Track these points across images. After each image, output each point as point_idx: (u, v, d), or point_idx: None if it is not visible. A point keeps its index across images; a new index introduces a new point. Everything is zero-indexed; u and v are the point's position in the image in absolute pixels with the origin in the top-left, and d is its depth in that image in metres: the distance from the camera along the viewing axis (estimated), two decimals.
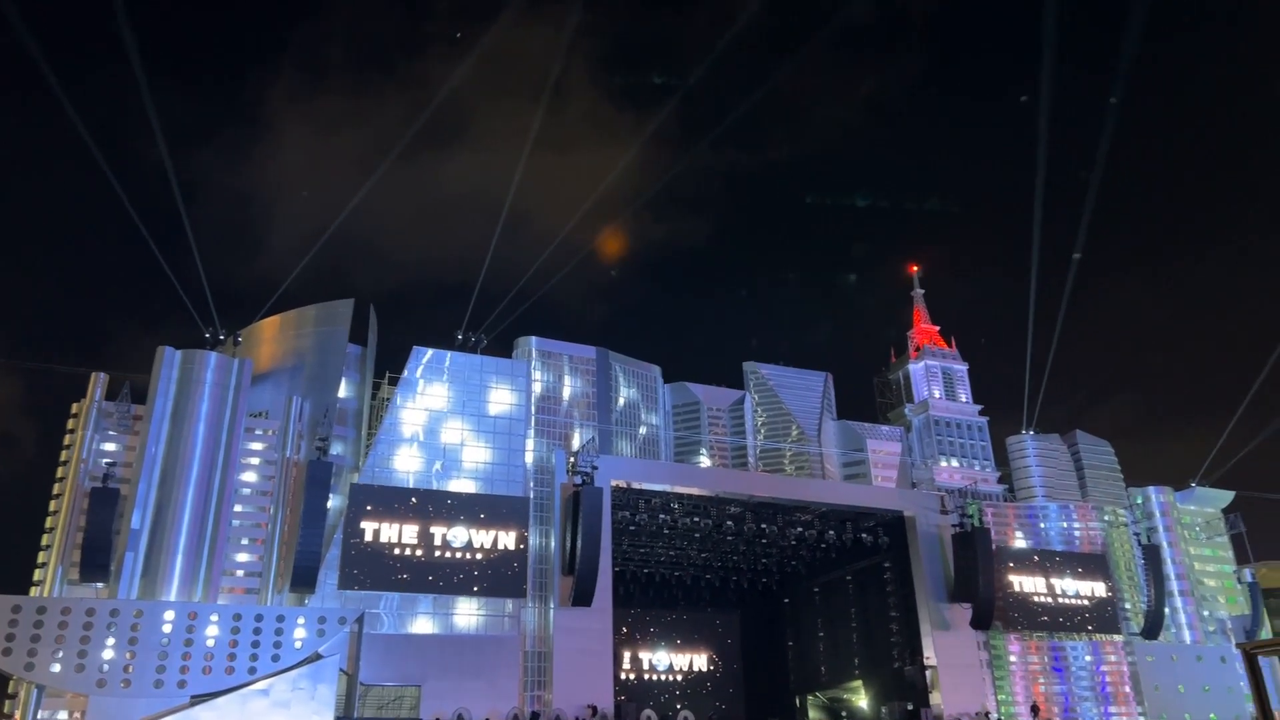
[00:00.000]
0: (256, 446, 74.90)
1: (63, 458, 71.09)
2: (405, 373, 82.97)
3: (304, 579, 69.93)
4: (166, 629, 64.00)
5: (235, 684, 64.12)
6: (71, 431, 71.30)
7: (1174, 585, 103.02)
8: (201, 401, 72.86)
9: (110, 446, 70.99)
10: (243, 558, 71.37)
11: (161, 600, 65.94)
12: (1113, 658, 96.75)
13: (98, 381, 72.16)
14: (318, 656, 67.19)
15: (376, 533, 74.34)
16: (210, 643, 64.54)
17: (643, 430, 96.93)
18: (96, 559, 65.52)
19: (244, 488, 73.30)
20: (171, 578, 67.39)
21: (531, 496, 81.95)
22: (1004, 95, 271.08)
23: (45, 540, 68.52)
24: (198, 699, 63.05)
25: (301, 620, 67.46)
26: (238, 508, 72.42)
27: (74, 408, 71.96)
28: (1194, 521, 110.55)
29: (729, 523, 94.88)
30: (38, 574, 67.74)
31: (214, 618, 65.37)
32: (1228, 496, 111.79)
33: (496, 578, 76.53)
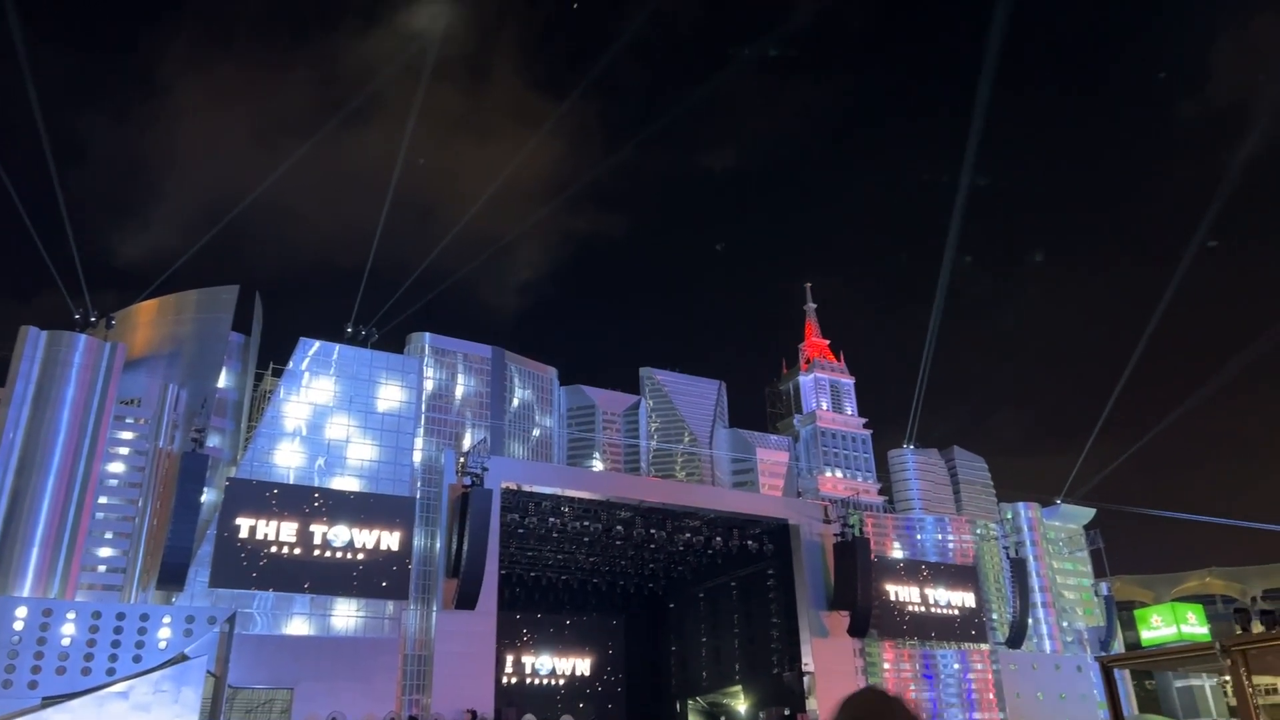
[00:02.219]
0: (126, 436, 71.24)
1: None
2: (290, 364, 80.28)
3: (172, 576, 66.76)
4: (18, 626, 60.22)
5: (92, 685, 60.80)
6: None
7: (1038, 597, 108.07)
8: (67, 386, 68.87)
9: None
10: (106, 552, 67.72)
11: (13, 596, 61.98)
12: (979, 666, 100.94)
13: None
14: (184, 658, 64.32)
15: (252, 529, 71.63)
16: (66, 642, 61.02)
17: (536, 432, 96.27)
18: None
19: (111, 479, 69.62)
20: (25, 572, 63.42)
21: (418, 497, 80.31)
22: (912, 118, 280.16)
23: None
24: (50, 700, 59.50)
25: (167, 619, 64.48)
26: (103, 499, 68.70)
27: None
28: (1058, 537, 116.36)
29: (619, 527, 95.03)
30: None
31: (71, 615, 61.84)
32: (1089, 513, 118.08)
33: (378, 579, 74.73)
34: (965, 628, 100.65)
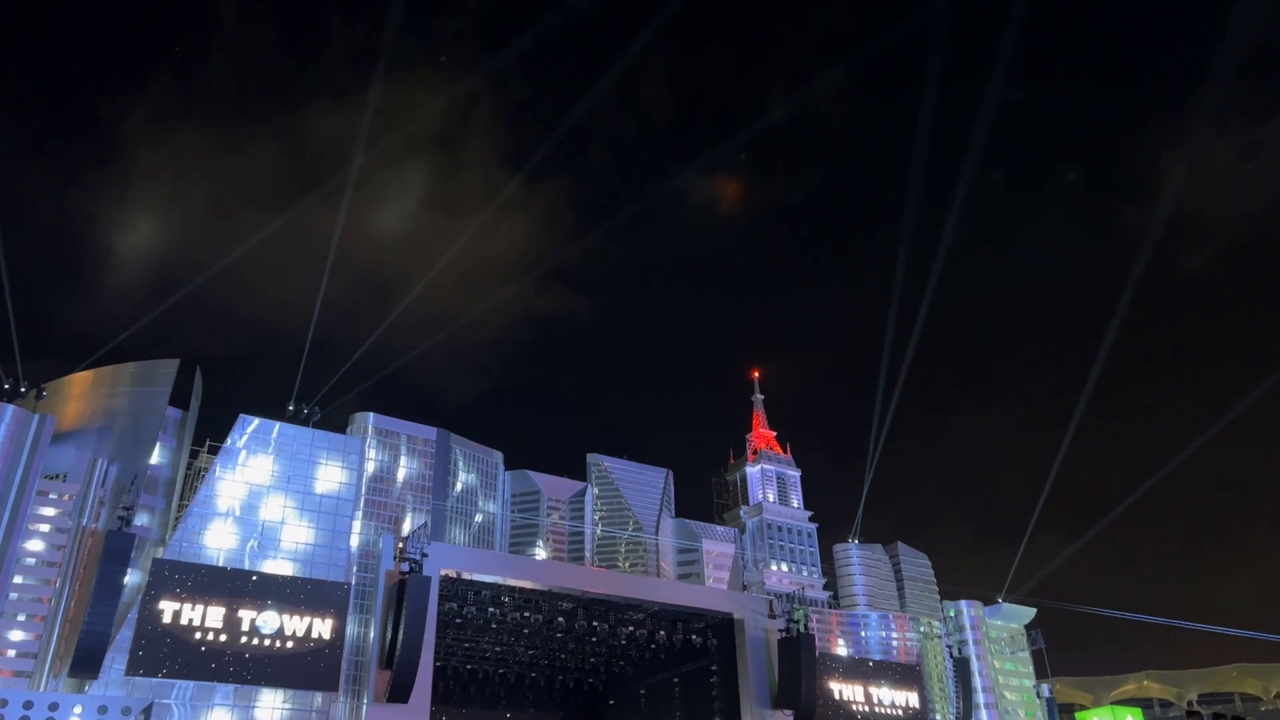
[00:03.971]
0: (49, 512, 68.13)
1: None
2: (227, 441, 78.06)
3: (86, 662, 63.12)
4: None
5: None
6: None
7: (980, 698, 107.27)
8: None
9: None
10: (17, 635, 63.96)
11: None
12: None
13: None
14: None
15: (177, 614, 68.35)
16: None
17: (479, 518, 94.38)
18: None
19: (28, 557, 66.25)
20: None
21: (353, 583, 77.64)
22: (874, 220, 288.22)
23: None
24: None
25: (78, 709, 60.67)
26: (17, 579, 65.20)
27: None
28: (1000, 636, 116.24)
29: (560, 619, 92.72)
30: None
31: None
32: (1030, 613, 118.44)
33: (307, 669, 71.51)
34: None
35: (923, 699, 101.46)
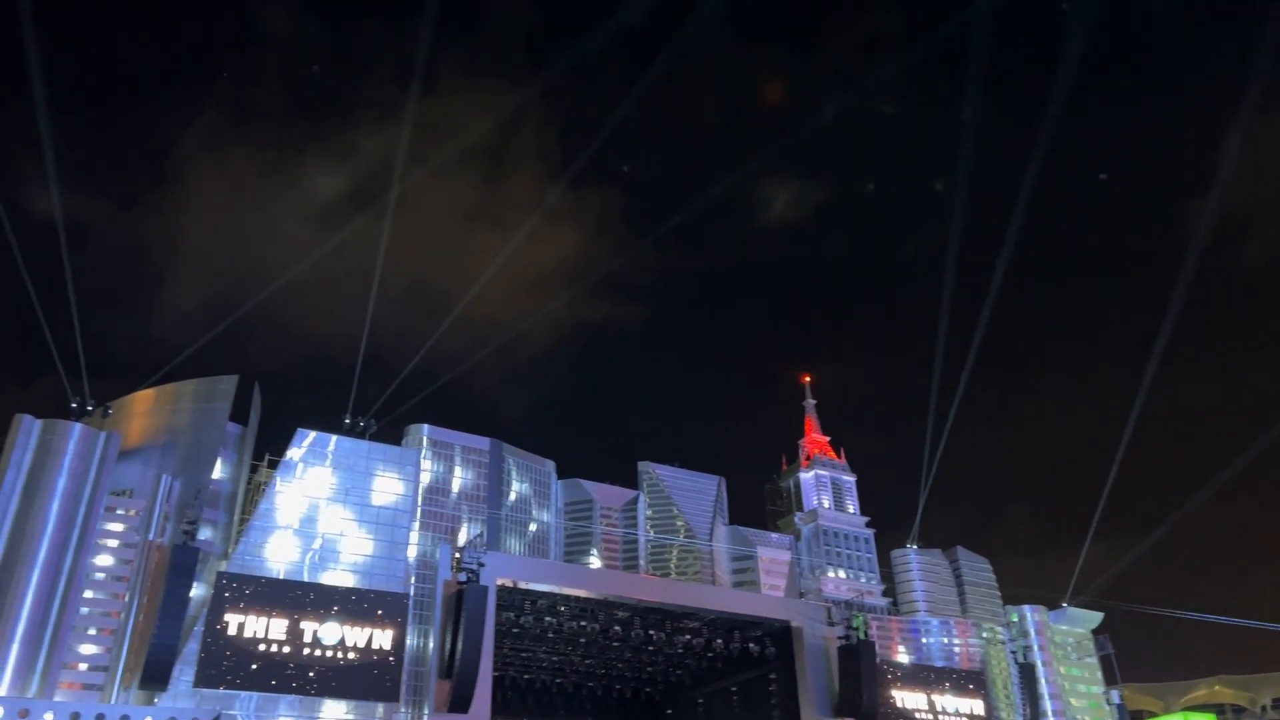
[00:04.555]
0: (116, 527, 69.57)
1: None
2: (286, 455, 79.13)
3: (156, 675, 64.23)
4: None
5: None
6: None
7: (1048, 705, 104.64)
8: (59, 476, 67.63)
9: None
10: (88, 649, 65.33)
11: None
12: None
13: None
14: None
15: (241, 626, 69.32)
16: None
17: (533, 527, 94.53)
18: None
19: (97, 572, 67.69)
20: (4, 669, 61.03)
21: (412, 593, 78.16)
22: (922, 220, 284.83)
23: None
24: None
25: None
26: (88, 594, 66.66)
27: None
28: (1065, 641, 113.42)
29: (616, 628, 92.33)
30: None
31: (48, 716, 59.16)
32: (1097, 617, 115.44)
33: (368, 680, 72.03)
34: None
35: (988, 706, 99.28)
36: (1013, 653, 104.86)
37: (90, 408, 75.48)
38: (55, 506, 66.59)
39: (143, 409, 78.81)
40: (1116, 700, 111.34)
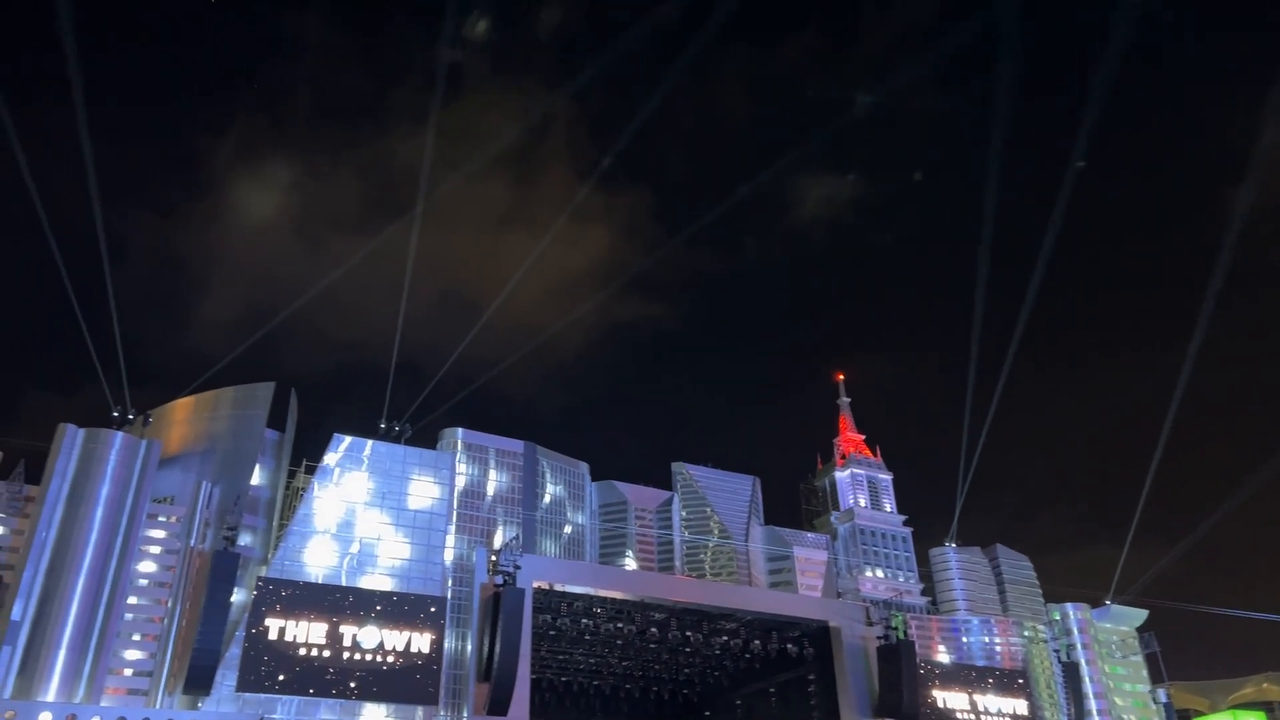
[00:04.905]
0: (158, 534, 70.47)
1: None
2: (323, 460, 79.73)
3: (199, 680, 64.90)
4: None
5: None
6: None
7: (1092, 704, 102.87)
8: (102, 484, 68.60)
9: None
10: (133, 655, 66.19)
11: (38, 701, 60.39)
12: None
13: None
14: None
15: (282, 630, 69.88)
16: None
17: (568, 529, 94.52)
18: None
19: (141, 578, 68.59)
20: (52, 675, 61.97)
21: (449, 596, 78.40)
22: (956, 213, 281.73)
23: None
24: None
25: None
26: (132, 600, 67.57)
27: None
28: (1109, 639, 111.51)
29: (653, 629, 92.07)
30: None
31: None
32: (1141, 614, 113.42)
33: (408, 683, 72.30)
34: None
35: (1031, 706, 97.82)
36: (1055, 651, 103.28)
37: (131, 416, 76.52)
38: (99, 514, 67.55)
39: (182, 417, 79.78)
40: (1163, 699, 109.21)
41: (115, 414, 75.18)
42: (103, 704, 62.57)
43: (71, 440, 69.29)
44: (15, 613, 62.39)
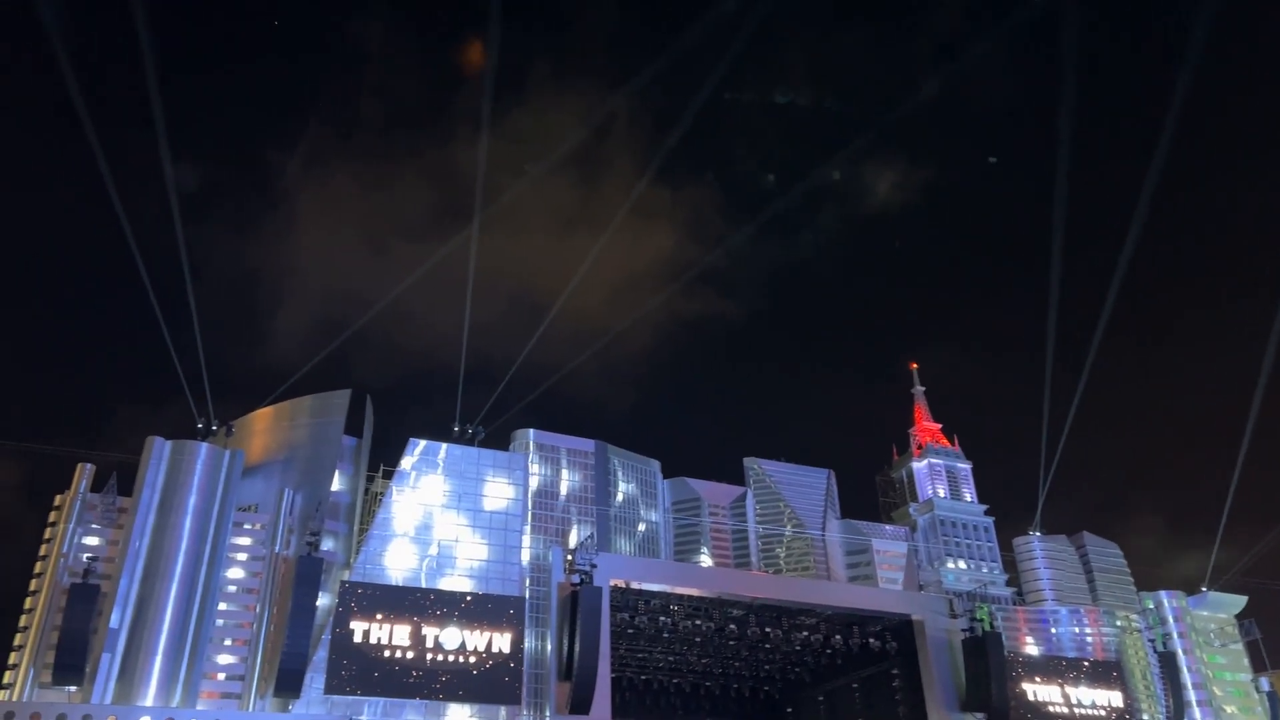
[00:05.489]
0: (244, 541, 72.27)
1: (42, 552, 68.31)
2: (400, 465, 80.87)
3: (289, 683, 66.29)
4: None
5: None
6: (53, 524, 68.69)
7: (1191, 695, 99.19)
8: (190, 494, 70.56)
9: (93, 540, 68.26)
10: (225, 659, 67.94)
11: (137, 705, 62.36)
12: None
13: (83, 472, 69.95)
14: None
15: (366, 633, 71.01)
16: None
17: (642, 527, 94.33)
18: (71, 660, 62.09)
19: (230, 585, 70.38)
20: (149, 680, 63.90)
21: (528, 596, 78.85)
22: (1024, 193, 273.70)
23: (18, 640, 65.12)
24: None
25: None
26: (222, 606, 69.37)
27: (57, 499, 69.54)
28: (1206, 627, 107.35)
29: (732, 626, 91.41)
30: (8, 675, 64.15)
31: None
32: (1240, 601, 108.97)
33: (490, 683, 72.86)
34: None
35: (1127, 698, 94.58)
36: (1150, 641, 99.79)
37: (214, 428, 78.69)
38: (188, 523, 69.47)
39: (262, 427, 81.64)
40: (1265, 687, 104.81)
41: (199, 426, 77.46)
42: (198, 708, 64.28)
43: (159, 452, 71.42)
44: (114, 620, 64.52)
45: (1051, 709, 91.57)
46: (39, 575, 67.32)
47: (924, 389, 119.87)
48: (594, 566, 78.49)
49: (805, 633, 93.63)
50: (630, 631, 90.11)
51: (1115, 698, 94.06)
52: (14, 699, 61.73)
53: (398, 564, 76.70)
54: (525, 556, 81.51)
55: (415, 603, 73.57)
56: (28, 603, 66.44)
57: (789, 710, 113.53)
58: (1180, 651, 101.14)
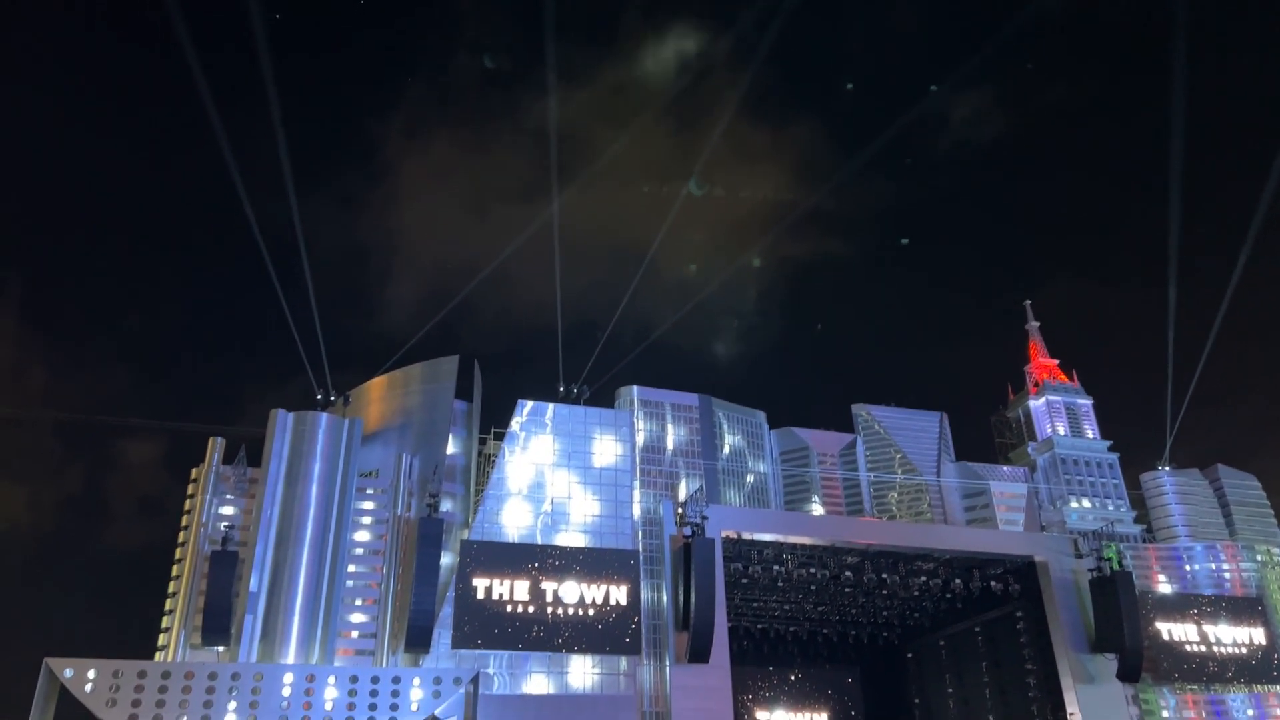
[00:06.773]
0: (368, 506, 75.07)
1: (184, 522, 72.42)
2: (511, 426, 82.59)
3: (419, 639, 69.06)
4: (286, 691, 63.71)
5: None
6: (191, 496, 72.68)
7: None
8: (314, 463, 73.55)
9: (228, 510, 71.97)
10: (357, 618, 71.04)
11: (280, 663, 65.87)
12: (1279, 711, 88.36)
13: (215, 446, 73.59)
14: (434, 718, 65.93)
15: (488, 589, 73.22)
16: (329, 705, 63.94)
17: (750, 478, 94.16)
18: (217, 622, 65.96)
19: (357, 547, 73.32)
20: (289, 639, 67.38)
21: (641, 549, 79.85)
22: (1141, 111, 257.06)
23: (169, 605, 69.52)
24: None
25: (417, 681, 66.39)
26: (351, 568, 72.38)
27: (193, 472, 73.47)
28: None
29: (847, 573, 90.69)
30: (162, 638, 68.60)
31: (331, 679, 64.88)
32: None
33: (610, 634, 74.33)
34: (1258, 668, 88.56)
35: (1269, 634, 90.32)
36: None
37: (333, 398, 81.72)
38: (314, 490, 72.52)
39: (377, 395, 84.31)
40: None
41: (319, 397, 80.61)
42: (335, 664, 67.54)
43: (283, 424, 74.56)
44: (253, 584, 68.11)
45: (1188, 647, 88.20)
46: (183, 544, 71.44)
47: (1039, 324, 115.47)
48: (705, 519, 78.81)
49: (923, 577, 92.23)
50: (744, 581, 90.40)
51: (1258, 634, 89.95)
52: (168, 659, 66.02)
53: (514, 522, 78.62)
54: (636, 511, 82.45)
55: (533, 558, 75.37)
56: (174, 570, 70.69)
57: (909, 655, 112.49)
58: None
